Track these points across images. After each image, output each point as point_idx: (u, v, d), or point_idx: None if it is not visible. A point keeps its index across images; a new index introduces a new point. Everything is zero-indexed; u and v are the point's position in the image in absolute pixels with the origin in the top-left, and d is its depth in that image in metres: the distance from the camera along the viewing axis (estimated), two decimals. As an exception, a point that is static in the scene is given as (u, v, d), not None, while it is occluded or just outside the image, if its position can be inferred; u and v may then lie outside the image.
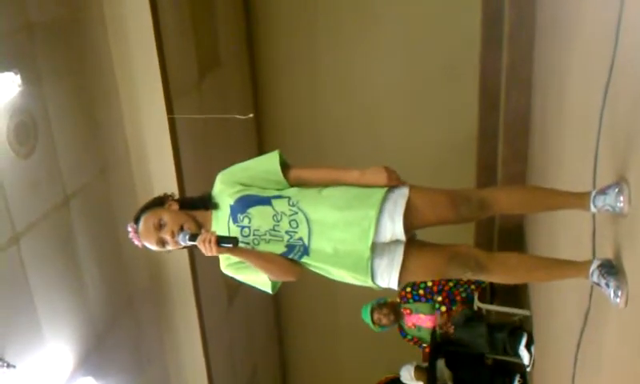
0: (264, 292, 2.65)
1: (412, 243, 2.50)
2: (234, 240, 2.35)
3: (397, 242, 2.45)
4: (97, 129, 4.65)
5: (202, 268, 5.54)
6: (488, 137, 6.45)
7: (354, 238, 2.39)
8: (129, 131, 4.96)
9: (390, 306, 5.31)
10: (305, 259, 2.46)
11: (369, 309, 5.31)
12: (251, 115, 5.32)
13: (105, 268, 4.73)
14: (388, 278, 2.45)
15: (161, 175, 4.91)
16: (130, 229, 2.52)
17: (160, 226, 2.44)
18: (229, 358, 6.68)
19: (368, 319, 5.31)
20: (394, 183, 2.46)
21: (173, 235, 2.43)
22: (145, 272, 5.34)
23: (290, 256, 2.46)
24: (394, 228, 2.40)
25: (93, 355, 4.49)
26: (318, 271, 2.53)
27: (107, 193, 4.77)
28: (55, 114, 4.13)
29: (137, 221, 2.51)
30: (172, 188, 4.72)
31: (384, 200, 2.41)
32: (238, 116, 5.10)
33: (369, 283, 2.47)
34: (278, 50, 7.09)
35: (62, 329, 4.18)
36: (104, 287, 4.71)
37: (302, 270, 2.52)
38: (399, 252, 2.44)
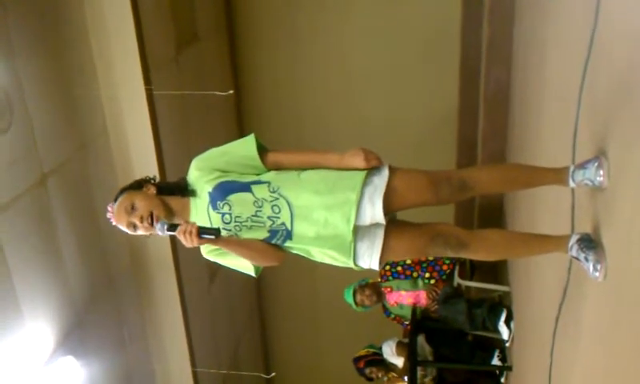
0: (247, 275, 2.65)
1: (392, 223, 2.51)
2: (215, 231, 2.35)
3: (377, 224, 2.45)
4: (74, 104, 4.58)
5: (182, 245, 5.51)
6: (468, 113, 6.47)
7: (336, 221, 2.40)
8: (106, 107, 4.89)
9: (372, 287, 5.35)
10: (288, 243, 2.47)
11: (351, 290, 5.34)
12: (231, 92, 5.27)
13: (84, 247, 4.68)
14: (369, 259, 2.47)
15: (140, 151, 4.85)
16: (109, 208, 2.52)
17: (132, 210, 2.43)
18: (210, 336, 6.68)
19: (351, 300, 5.34)
20: (372, 165, 2.45)
21: (142, 220, 2.42)
22: (125, 250, 5.30)
23: (273, 241, 2.47)
24: (373, 211, 2.40)
25: (73, 335, 4.46)
26: (299, 253, 2.54)
27: (86, 170, 4.71)
28: (30, 90, 4.05)
29: (115, 201, 2.50)
30: (151, 163, 4.69)
31: (364, 183, 2.41)
32: (217, 92, 5.06)
33: (350, 265, 2.48)
34: (258, 24, 7.02)
35: (42, 309, 4.14)
36: (84, 266, 4.68)
37: (284, 255, 2.53)
38: (380, 234, 2.46)
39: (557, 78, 3.48)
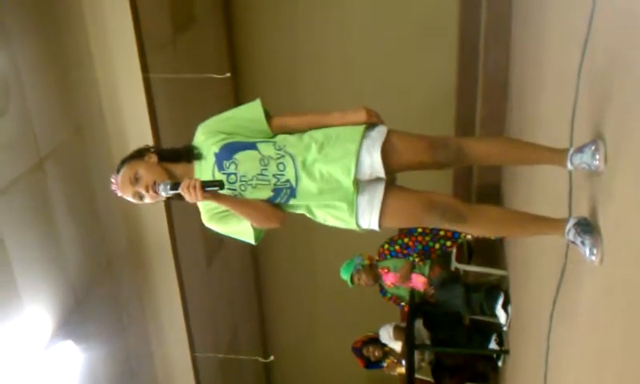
0: (247, 243, 2.65)
1: (392, 186, 2.53)
2: (219, 183, 2.34)
3: (377, 181, 2.48)
4: (70, 88, 4.55)
5: (180, 229, 5.52)
6: (466, 95, 6.44)
7: (337, 174, 2.43)
8: (103, 90, 4.87)
9: (369, 270, 5.33)
10: (292, 202, 2.50)
11: (348, 269, 5.32)
12: (228, 74, 5.25)
13: (82, 230, 4.68)
14: (369, 217, 2.48)
15: (136, 134, 4.83)
16: (112, 180, 2.51)
17: (136, 180, 2.43)
18: (209, 318, 6.70)
19: (347, 277, 5.32)
20: (373, 120, 2.51)
21: (147, 189, 2.41)
22: (123, 234, 5.30)
23: (277, 200, 2.49)
24: (372, 161, 2.44)
25: (72, 319, 4.47)
26: (302, 212, 2.56)
27: (83, 154, 4.70)
28: (27, 74, 4.03)
29: (118, 173, 2.50)
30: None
31: (363, 136, 2.46)
32: (214, 75, 5.03)
33: (352, 225, 2.51)
34: (255, 6, 6.97)
35: (41, 293, 4.14)
36: (82, 250, 4.68)
37: (285, 216, 2.55)
38: (379, 190, 2.48)
39: (556, 60, 3.46)
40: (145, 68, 4.83)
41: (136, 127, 4.89)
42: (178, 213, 5.45)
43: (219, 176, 2.45)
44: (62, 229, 4.40)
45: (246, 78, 7.14)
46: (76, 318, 4.52)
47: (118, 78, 4.83)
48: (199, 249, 6.42)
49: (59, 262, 4.38)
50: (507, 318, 4.86)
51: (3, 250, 3.76)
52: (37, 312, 4.07)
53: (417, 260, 5.27)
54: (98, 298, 4.87)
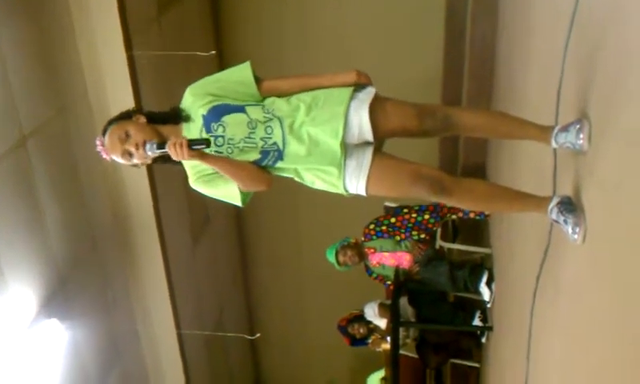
0: (234, 205, 2.65)
1: (380, 153, 2.54)
2: (205, 141, 2.33)
3: (365, 145, 2.49)
4: (53, 66, 4.50)
5: (165, 207, 5.50)
6: (453, 70, 6.42)
7: (325, 136, 2.43)
8: (86, 68, 4.81)
9: (354, 247, 5.35)
10: (279, 164, 2.50)
11: (333, 250, 5.35)
12: (213, 52, 5.20)
13: (66, 209, 4.65)
14: (356, 182, 2.49)
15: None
16: (97, 142, 2.49)
17: (126, 138, 2.41)
18: (195, 297, 6.71)
19: (333, 260, 5.35)
20: (363, 80, 2.52)
21: (137, 147, 2.40)
22: (107, 212, 5.27)
23: (264, 162, 2.49)
24: (360, 121, 2.44)
25: (56, 297, 4.45)
26: (290, 175, 2.56)
27: (66, 132, 4.65)
28: (8, 52, 3.97)
29: (104, 133, 2.48)
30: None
31: (351, 98, 2.47)
32: (199, 53, 4.99)
33: (339, 188, 2.51)
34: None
35: (24, 272, 4.12)
36: (66, 228, 4.65)
37: (272, 179, 2.55)
38: (368, 154, 2.48)
39: (542, 37, 3.46)
40: (129, 46, 4.78)
41: (120, 105, 4.79)
42: (163, 190, 5.43)
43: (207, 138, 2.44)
44: (46, 207, 4.36)
45: (231, 56, 7.08)
46: (60, 297, 4.50)
47: (101, 56, 4.77)
48: (185, 227, 6.41)
49: (43, 240, 4.35)
50: (491, 295, 4.91)
51: (-14, 229, 3.73)
52: (20, 291, 4.05)
53: (422, 236, 5.28)
54: (82, 276, 4.85)
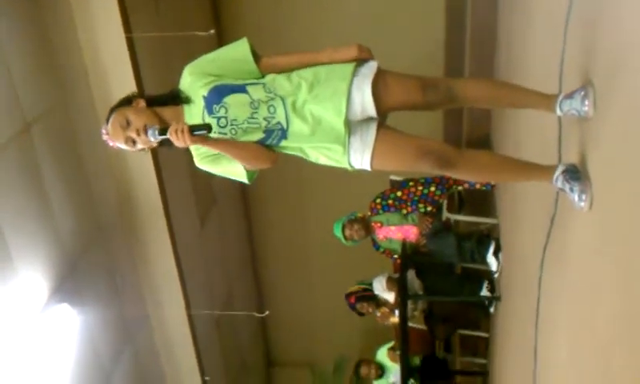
0: (240, 182, 2.64)
1: (384, 127, 2.53)
2: (207, 126, 2.32)
3: (369, 120, 2.48)
4: (53, 51, 4.48)
5: (171, 190, 5.51)
6: (455, 42, 6.38)
7: (328, 113, 2.42)
8: (86, 52, 4.79)
9: (361, 221, 5.36)
10: (283, 143, 2.48)
11: (340, 225, 5.36)
12: (212, 31, 5.17)
13: (73, 195, 4.67)
14: (361, 157, 2.48)
15: (122, 95, 4.77)
16: (103, 131, 2.49)
17: (127, 125, 2.41)
18: (204, 278, 6.74)
19: (340, 235, 5.36)
20: (364, 55, 2.49)
21: (139, 133, 2.40)
22: (114, 197, 5.29)
23: (268, 141, 2.47)
24: (363, 98, 2.43)
25: (66, 283, 4.48)
26: (294, 153, 2.55)
27: (69, 117, 4.65)
28: (8, 40, 3.96)
29: (107, 122, 2.48)
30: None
31: (353, 74, 2.44)
32: (198, 32, 4.96)
33: (344, 164, 2.51)
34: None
35: (34, 258, 4.15)
36: (73, 214, 4.67)
37: (276, 156, 2.53)
38: (372, 129, 2.48)
39: (544, 3, 3.43)
40: (127, 28, 4.75)
41: (121, 88, 4.78)
42: (169, 173, 5.43)
43: (209, 120, 2.43)
44: (52, 193, 4.38)
45: (230, 35, 7.02)
46: (70, 282, 4.53)
47: (100, 39, 4.75)
48: (192, 208, 6.42)
49: (51, 226, 4.37)
50: (498, 265, 4.92)
51: (-6, 217, 3.75)
52: (31, 276, 4.08)
53: (428, 208, 5.28)
54: (91, 260, 4.88)
